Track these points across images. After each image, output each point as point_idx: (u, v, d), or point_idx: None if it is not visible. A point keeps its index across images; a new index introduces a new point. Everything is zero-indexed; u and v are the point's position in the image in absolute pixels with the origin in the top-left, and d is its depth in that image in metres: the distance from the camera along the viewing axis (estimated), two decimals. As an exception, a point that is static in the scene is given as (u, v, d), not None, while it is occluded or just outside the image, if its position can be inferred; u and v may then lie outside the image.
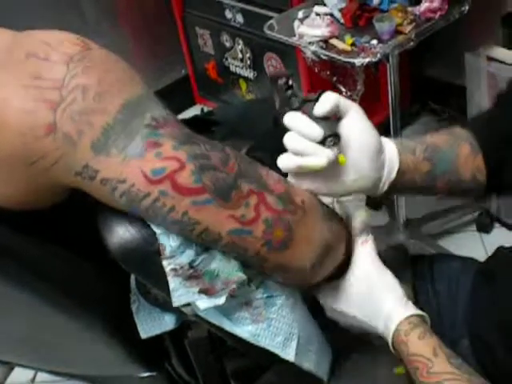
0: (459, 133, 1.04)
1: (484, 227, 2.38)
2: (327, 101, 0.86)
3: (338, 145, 0.86)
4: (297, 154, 0.87)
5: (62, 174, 0.75)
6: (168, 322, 0.99)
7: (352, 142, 0.89)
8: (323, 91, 0.87)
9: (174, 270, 0.80)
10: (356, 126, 0.90)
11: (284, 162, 0.88)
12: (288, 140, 0.87)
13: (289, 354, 0.90)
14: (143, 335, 1.01)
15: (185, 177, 0.75)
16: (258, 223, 0.81)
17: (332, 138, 0.85)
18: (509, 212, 2.36)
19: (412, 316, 0.90)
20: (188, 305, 0.84)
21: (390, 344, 0.90)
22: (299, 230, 0.85)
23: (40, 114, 0.70)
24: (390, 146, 0.96)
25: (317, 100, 0.86)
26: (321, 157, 0.85)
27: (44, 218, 0.80)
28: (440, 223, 2.40)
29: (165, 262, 0.81)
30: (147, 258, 0.81)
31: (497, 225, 2.40)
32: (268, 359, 0.92)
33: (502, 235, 2.35)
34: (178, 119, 0.81)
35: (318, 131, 0.85)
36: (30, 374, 2.10)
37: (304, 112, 0.87)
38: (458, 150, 1.01)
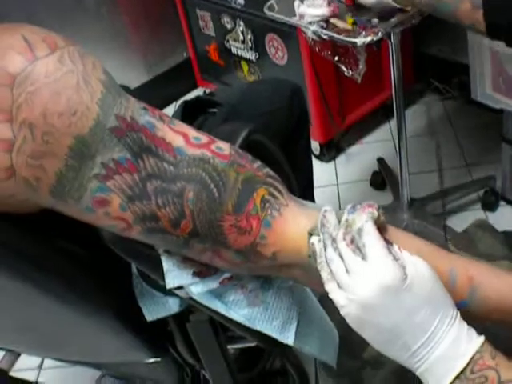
0: None
1: (489, 205, 2.37)
2: None
3: None
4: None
5: (36, 206, 0.77)
6: (172, 306, 0.99)
7: None
8: None
9: (167, 251, 0.79)
10: None
11: None
12: None
13: (287, 338, 0.88)
14: (148, 318, 1.00)
15: (134, 234, 0.78)
16: (215, 264, 0.83)
17: None
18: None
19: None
20: (181, 288, 0.84)
21: (456, 374, 0.73)
22: (261, 271, 0.86)
23: None
24: None
25: None
26: None
27: (40, 212, 0.80)
28: (444, 202, 2.39)
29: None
30: (138, 242, 0.81)
31: (502, 203, 2.39)
32: (267, 342, 0.91)
33: (508, 213, 2.34)
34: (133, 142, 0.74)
35: None
36: (37, 359, 2.11)
37: None
38: (458, 4, 1.00)
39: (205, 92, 2.87)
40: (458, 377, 0.73)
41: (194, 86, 3.36)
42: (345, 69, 1.95)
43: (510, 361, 0.74)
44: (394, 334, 0.74)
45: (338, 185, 2.63)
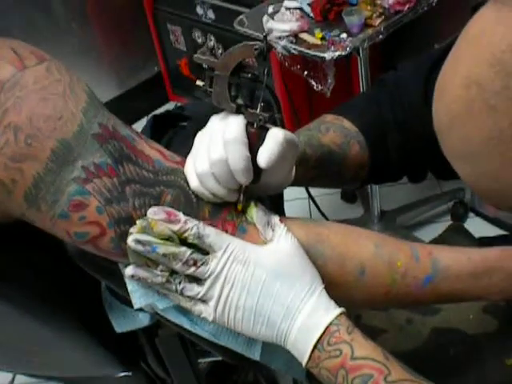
0: (349, 129, 1.04)
1: (458, 217, 2.40)
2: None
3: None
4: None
5: (8, 214, 0.76)
6: (142, 319, 0.98)
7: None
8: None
9: None
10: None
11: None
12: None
13: (254, 354, 0.87)
14: (118, 330, 1.00)
15: (104, 243, 0.77)
16: None
17: None
18: (483, 201, 2.38)
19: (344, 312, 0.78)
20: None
21: (313, 345, 0.75)
22: None
23: None
24: None
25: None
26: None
27: (7, 225, 0.80)
28: (414, 214, 2.42)
29: (120, 264, 0.81)
30: (103, 258, 0.81)
31: (471, 214, 2.42)
32: (234, 358, 0.90)
33: (477, 225, 2.37)
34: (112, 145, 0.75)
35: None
36: (8, 376, 2.09)
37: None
38: (347, 151, 1.00)
39: (176, 106, 2.88)
40: (316, 347, 0.75)
41: (166, 101, 3.36)
42: (314, 83, 1.97)
43: (367, 339, 0.76)
44: (256, 312, 0.76)
45: (309, 198, 2.65)
